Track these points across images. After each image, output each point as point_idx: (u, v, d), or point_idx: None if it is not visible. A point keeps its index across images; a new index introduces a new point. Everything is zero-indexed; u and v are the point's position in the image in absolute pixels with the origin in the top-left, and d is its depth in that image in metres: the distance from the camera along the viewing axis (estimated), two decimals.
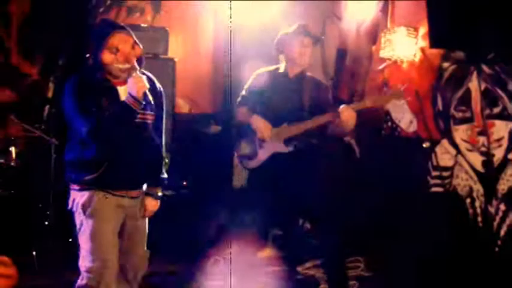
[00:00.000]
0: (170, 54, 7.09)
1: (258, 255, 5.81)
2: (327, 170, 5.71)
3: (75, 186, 3.93)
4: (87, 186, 3.88)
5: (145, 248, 4.14)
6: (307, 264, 5.98)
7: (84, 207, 3.88)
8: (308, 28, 5.48)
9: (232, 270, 5.43)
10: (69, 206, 3.99)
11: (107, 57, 3.85)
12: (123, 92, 3.89)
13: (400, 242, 6.01)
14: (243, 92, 5.55)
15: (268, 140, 5.29)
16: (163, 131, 4.19)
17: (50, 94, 6.62)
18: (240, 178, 6.23)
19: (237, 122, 5.57)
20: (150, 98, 4.01)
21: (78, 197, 3.91)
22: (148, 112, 3.98)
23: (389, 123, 6.60)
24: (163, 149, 4.16)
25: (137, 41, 3.98)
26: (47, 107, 6.51)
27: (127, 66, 3.85)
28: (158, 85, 4.18)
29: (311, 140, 5.37)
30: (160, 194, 4.17)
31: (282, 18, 6.95)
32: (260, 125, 5.31)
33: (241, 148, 5.51)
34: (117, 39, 3.86)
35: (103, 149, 3.83)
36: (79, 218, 3.91)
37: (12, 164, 6.13)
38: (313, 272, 5.91)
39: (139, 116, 3.88)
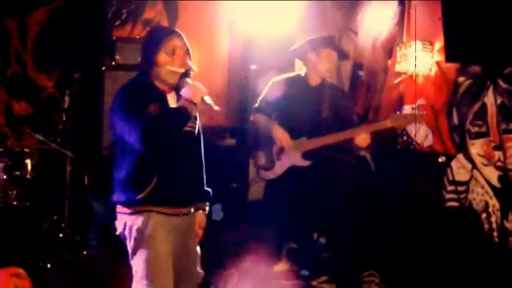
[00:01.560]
0: None
1: (272, 269, 5.79)
2: (343, 184, 5.71)
3: (126, 210, 3.74)
4: (140, 209, 3.71)
5: (199, 268, 4.00)
6: (322, 279, 5.96)
7: (139, 232, 3.71)
8: (336, 41, 5.46)
9: (246, 284, 5.42)
10: (119, 231, 3.81)
11: (162, 58, 3.76)
12: (170, 99, 3.81)
13: (415, 257, 5.98)
14: (260, 99, 5.54)
15: (286, 152, 5.27)
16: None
17: (65, 106, 6.64)
18: (256, 191, 6.22)
19: (251, 129, 5.55)
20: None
21: (130, 221, 3.73)
22: (197, 121, 3.90)
23: (405, 137, 6.58)
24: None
25: (190, 50, 3.91)
26: (63, 120, 6.52)
27: (181, 70, 3.78)
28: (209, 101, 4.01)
29: (328, 153, 5.35)
30: (207, 208, 4.04)
31: (298, 31, 6.97)
32: (279, 134, 5.29)
33: (259, 158, 5.50)
34: (175, 42, 3.79)
35: (154, 160, 3.68)
36: (133, 242, 3.73)
37: (28, 176, 6.15)
38: (327, 286, 5.89)
39: (190, 123, 3.78)
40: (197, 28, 7.58)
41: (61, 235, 6.17)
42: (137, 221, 3.71)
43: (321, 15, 7.34)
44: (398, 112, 5.83)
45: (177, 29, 3.92)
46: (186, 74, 3.81)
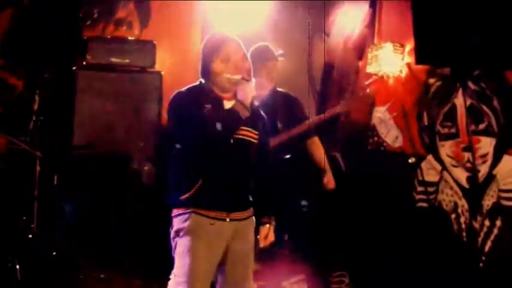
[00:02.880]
0: (157, 68, 7.09)
1: None
2: (310, 183, 5.73)
3: (174, 211, 3.77)
4: (183, 211, 3.73)
5: (251, 281, 3.94)
6: (293, 279, 5.97)
7: (179, 232, 3.72)
8: (269, 50, 5.52)
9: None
10: (171, 236, 3.82)
11: (217, 66, 3.76)
12: (229, 105, 3.79)
13: (384, 257, 6.01)
14: None
15: None
16: (267, 156, 4.03)
17: (35, 107, 6.58)
18: None
19: None
20: (255, 116, 3.88)
21: (174, 223, 3.76)
22: (251, 130, 3.83)
23: (375, 138, 6.62)
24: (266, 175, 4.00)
25: (247, 54, 3.90)
26: (33, 119, 6.47)
27: (237, 77, 3.75)
28: (262, 112, 4.04)
29: (289, 154, 5.40)
30: (273, 223, 3.98)
31: (270, 32, 6.98)
32: None
33: None
34: (230, 49, 3.79)
35: (201, 163, 3.69)
36: (174, 242, 3.76)
37: None
38: (298, 286, 5.90)
39: (241, 130, 3.76)
40: (169, 28, 7.56)
41: (30, 236, 6.12)
42: (179, 222, 3.73)
43: (293, 16, 7.35)
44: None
45: (233, 36, 3.89)
46: (245, 79, 3.78)
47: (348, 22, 7.12)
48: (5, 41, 7.19)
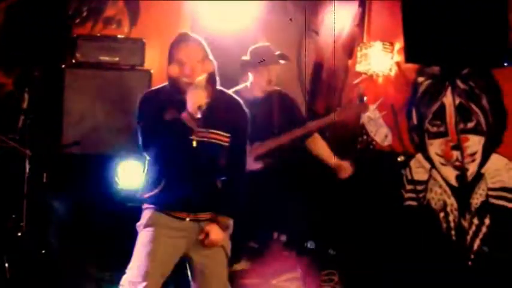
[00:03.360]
0: (147, 66, 7.08)
1: (233, 268, 5.79)
2: (301, 183, 5.74)
3: (142, 206, 3.91)
4: (146, 206, 3.87)
5: (225, 281, 3.98)
6: (283, 277, 5.97)
7: (140, 224, 3.85)
8: (269, 52, 5.48)
9: None
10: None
11: (173, 70, 3.76)
12: None
13: (374, 256, 6.03)
14: None
15: None
16: (241, 159, 4.01)
17: (24, 105, 6.56)
18: None
19: None
20: (227, 118, 3.85)
21: (141, 218, 3.88)
22: (216, 132, 3.81)
23: (364, 137, 6.63)
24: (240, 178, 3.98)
25: (211, 55, 3.87)
26: (22, 117, 6.45)
27: (189, 80, 3.71)
28: (243, 108, 3.99)
29: (283, 155, 5.41)
30: (228, 223, 3.93)
31: (260, 31, 6.98)
32: None
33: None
34: (184, 52, 3.76)
35: (164, 165, 3.77)
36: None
37: None
38: (288, 284, 5.91)
39: (200, 133, 3.74)
40: (158, 27, 7.54)
41: (19, 234, 6.10)
42: (142, 217, 3.87)
43: (283, 15, 7.36)
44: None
45: (194, 35, 3.89)
46: (201, 82, 3.74)
47: (337, 21, 7.12)
48: None
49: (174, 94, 3.78)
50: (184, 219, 3.82)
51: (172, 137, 3.71)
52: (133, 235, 3.98)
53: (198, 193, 3.82)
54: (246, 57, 5.56)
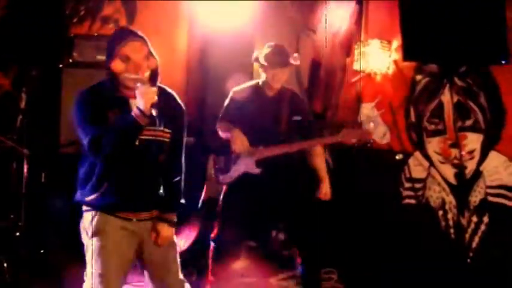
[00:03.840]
0: None
1: (232, 267, 5.80)
2: (300, 181, 5.74)
3: (83, 207, 3.77)
4: (90, 208, 3.72)
5: (180, 276, 3.93)
6: (281, 276, 5.98)
7: (87, 228, 3.72)
8: (281, 54, 5.43)
9: (207, 282, 5.42)
10: (81, 231, 3.82)
11: (117, 66, 3.65)
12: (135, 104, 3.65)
13: (372, 254, 6.03)
14: (223, 109, 5.54)
15: (242, 158, 5.32)
16: (182, 153, 3.96)
17: (22, 105, 6.55)
18: (213, 188, 6.21)
19: (216, 136, 5.56)
20: (167, 114, 3.78)
21: (84, 221, 3.75)
22: (161, 129, 3.75)
23: None
24: (182, 173, 3.95)
25: (153, 52, 3.79)
26: (20, 117, 6.44)
27: (137, 76, 3.62)
28: (179, 102, 3.92)
29: (280, 159, 5.41)
30: (175, 220, 3.90)
31: (258, 30, 6.97)
32: (237, 138, 5.31)
33: (218, 161, 5.54)
34: (130, 48, 3.66)
35: (106, 166, 3.64)
36: (84, 238, 3.76)
37: None
38: (286, 283, 5.91)
39: (147, 132, 3.66)
40: (156, 25, 7.53)
41: (17, 233, 6.10)
42: (85, 219, 3.74)
43: (280, 14, 7.35)
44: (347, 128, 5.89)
45: (137, 32, 3.78)
46: (145, 78, 3.66)
47: (334, 19, 7.12)
48: None
49: (116, 91, 3.71)
50: (131, 219, 3.76)
51: (123, 135, 3.60)
52: None
53: (143, 192, 3.78)
54: (260, 55, 5.51)
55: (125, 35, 3.74)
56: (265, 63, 5.34)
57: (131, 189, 3.73)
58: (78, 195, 3.76)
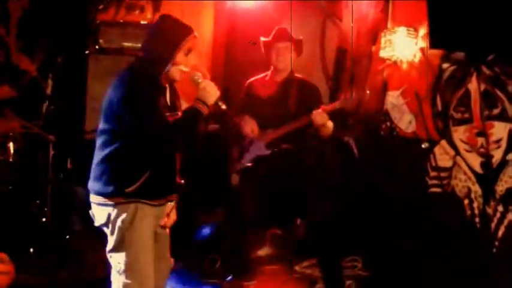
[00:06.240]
0: None
1: (256, 254, 5.82)
2: (323, 170, 5.75)
3: (110, 201, 3.70)
4: (127, 200, 3.69)
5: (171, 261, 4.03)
6: (304, 263, 5.98)
7: (125, 223, 3.68)
8: (284, 32, 5.55)
9: (229, 270, 5.44)
10: (99, 223, 3.80)
11: (180, 57, 3.75)
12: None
13: (398, 242, 6.01)
14: (238, 101, 5.69)
15: (254, 143, 5.38)
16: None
17: (48, 91, 6.60)
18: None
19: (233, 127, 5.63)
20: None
21: (115, 212, 3.69)
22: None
23: (388, 123, 6.59)
24: None
25: None
26: (46, 104, 6.50)
27: (188, 70, 3.80)
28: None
29: (303, 141, 5.44)
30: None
31: (283, 16, 6.96)
32: (247, 124, 5.41)
33: (233, 150, 5.63)
34: (192, 42, 3.80)
35: (148, 155, 3.69)
36: (118, 234, 3.70)
37: (10, 160, 6.12)
38: (310, 271, 5.92)
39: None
40: (182, 12, 7.53)
41: (44, 219, 6.15)
42: (124, 212, 3.68)
43: (307, 2, 7.33)
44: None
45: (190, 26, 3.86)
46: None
47: (361, 7, 7.08)
48: (19, 25, 7.20)
49: (161, 80, 3.80)
50: (162, 204, 3.83)
51: (190, 128, 3.77)
52: None
53: (174, 176, 3.88)
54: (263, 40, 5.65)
55: (189, 28, 3.82)
56: (269, 39, 5.50)
57: (168, 174, 3.82)
58: (107, 188, 3.71)
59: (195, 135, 3.74)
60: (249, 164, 5.47)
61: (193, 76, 3.80)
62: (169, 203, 3.91)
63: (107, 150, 3.73)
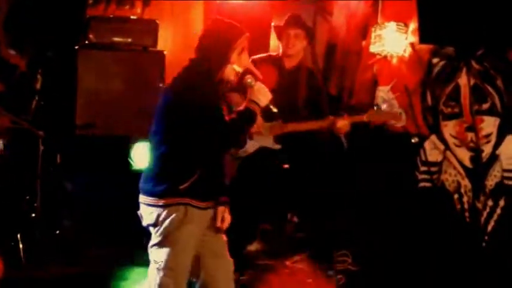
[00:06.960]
0: (159, 47, 7.07)
1: (246, 249, 5.81)
2: (315, 164, 5.73)
3: (161, 201, 3.67)
4: (177, 201, 3.67)
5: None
6: (295, 258, 5.98)
7: (173, 223, 3.65)
8: (298, 19, 5.49)
9: None
10: (147, 222, 3.76)
11: (234, 57, 3.76)
12: None
13: (387, 237, 6.02)
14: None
15: (259, 133, 5.28)
16: None
17: (38, 86, 6.58)
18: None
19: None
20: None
21: (164, 213, 3.66)
22: None
23: None
24: None
25: None
26: (35, 99, 6.47)
27: (241, 69, 3.81)
28: None
29: (301, 137, 5.39)
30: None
31: (274, 12, 6.95)
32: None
33: None
34: (245, 41, 3.81)
35: (201, 154, 3.70)
36: (164, 233, 3.67)
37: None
38: (301, 265, 5.92)
39: None
40: (171, 8, 7.53)
41: (33, 215, 6.13)
42: (173, 213, 3.66)
43: None
44: (375, 107, 5.85)
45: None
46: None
47: (351, 1, 7.08)
48: (8, 19, 7.17)
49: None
50: (209, 207, 3.78)
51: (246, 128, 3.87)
52: None
53: (224, 178, 3.90)
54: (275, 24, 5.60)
55: (241, 29, 3.84)
56: (281, 24, 5.43)
57: (217, 176, 3.82)
58: (158, 188, 3.69)
59: (246, 134, 3.92)
60: (250, 152, 5.37)
61: (246, 80, 3.81)
62: (220, 207, 3.88)
63: (158, 154, 3.75)
